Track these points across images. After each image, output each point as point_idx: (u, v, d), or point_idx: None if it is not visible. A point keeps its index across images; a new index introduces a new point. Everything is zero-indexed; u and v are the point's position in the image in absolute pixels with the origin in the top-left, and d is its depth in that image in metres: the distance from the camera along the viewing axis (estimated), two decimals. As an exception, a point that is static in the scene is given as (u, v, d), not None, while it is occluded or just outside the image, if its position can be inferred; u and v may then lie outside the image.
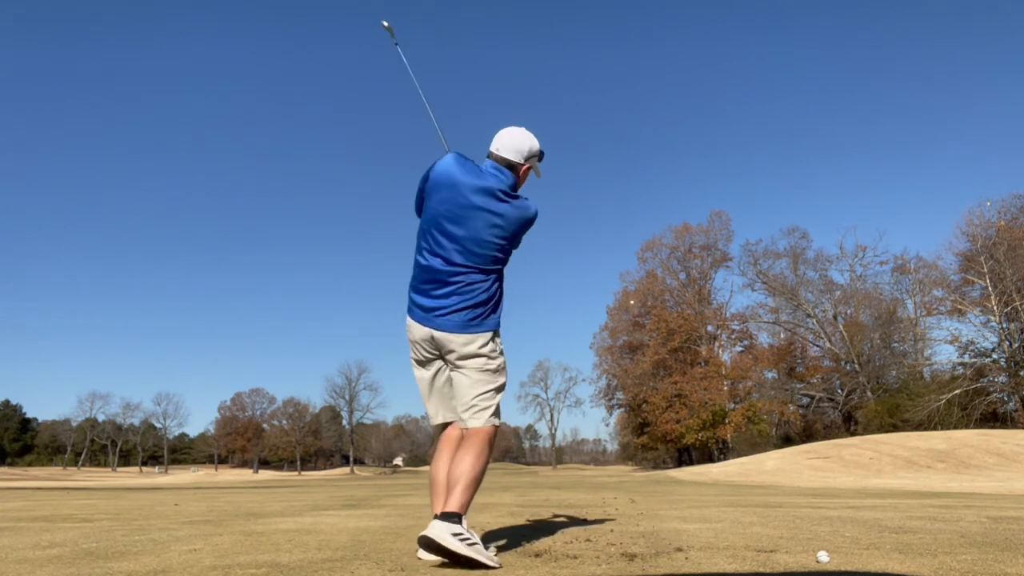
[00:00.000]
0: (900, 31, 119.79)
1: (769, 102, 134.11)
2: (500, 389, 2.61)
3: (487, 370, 2.57)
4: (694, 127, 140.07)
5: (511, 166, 2.69)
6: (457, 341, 2.54)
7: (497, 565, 2.27)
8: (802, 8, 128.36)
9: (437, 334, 2.56)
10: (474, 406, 2.55)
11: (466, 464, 2.42)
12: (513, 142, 2.70)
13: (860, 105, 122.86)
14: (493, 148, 2.72)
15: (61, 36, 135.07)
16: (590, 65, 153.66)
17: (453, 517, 2.29)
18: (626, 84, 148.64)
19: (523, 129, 2.76)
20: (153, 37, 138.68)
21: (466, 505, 2.38)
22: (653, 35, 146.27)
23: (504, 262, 2.65)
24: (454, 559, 2.22)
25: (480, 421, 2.54)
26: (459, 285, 2.56)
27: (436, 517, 2.31)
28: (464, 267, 2.56)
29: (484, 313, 2.58)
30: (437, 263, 2.58)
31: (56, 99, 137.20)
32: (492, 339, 2.60)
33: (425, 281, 2.61)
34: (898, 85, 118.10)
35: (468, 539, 2.25)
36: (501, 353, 2.64)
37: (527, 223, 2.65)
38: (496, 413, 2.59)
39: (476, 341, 2.56)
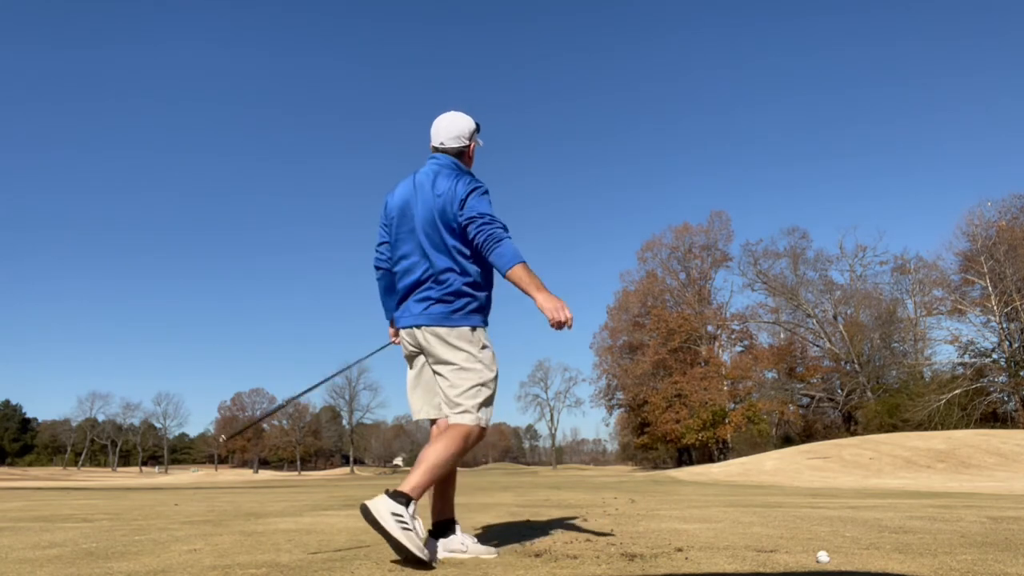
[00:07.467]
0: (900, 31, 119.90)
1: (769, 102, 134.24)
2: (485, 385, 2.48)
3: (467, 368, 2.47)
4: (694, 127, 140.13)
5: (459, 153, 2.74)
6: (438, 335, 2.49)
7: (433, 565, 2.29)
8: (802, 8, 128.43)
9: (418, 332, 2.53)
10: (458, 405, 2.46)
11: (433, 450, 2.36)
12: (452, 130, 2.73)
13: (860, 105, 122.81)
14: (436, 143, 2.74)
15: (62, 37, 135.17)
16: (590, 64, 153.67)
17: (400, 497, 2.24)
18: (626, 84, 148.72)
19: (454, 113, 2.78)
20: (154, 38, 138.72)
21: (419, 489, 2.31)
22: (653, 34, 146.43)
23: (471, 246, 2.53)
24: (386, 538, 2.20)
25: (466, 420, 2.44)
26: (432, 279, 2.54)
27: (386, 492, 2.26)
28: (434, 261, 2.53)
29: (462, 305, 2.51)
30: (407, 264, 2.60)
31: (56, 100, 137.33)
32: (473, 332, 2.51)
33: (397, 284, 2.64)
34: (898, 85, 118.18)
35: (405, 524, 2.20)
36: (484, 348, 2.53)
37: (471, 192, 2.53)
38: (481, 411, 2.46)
39: (456, 335, 2.49)
